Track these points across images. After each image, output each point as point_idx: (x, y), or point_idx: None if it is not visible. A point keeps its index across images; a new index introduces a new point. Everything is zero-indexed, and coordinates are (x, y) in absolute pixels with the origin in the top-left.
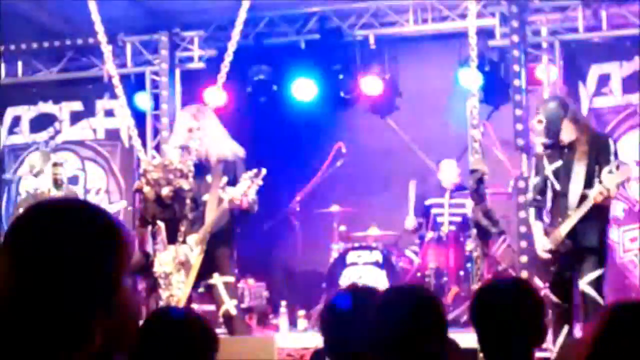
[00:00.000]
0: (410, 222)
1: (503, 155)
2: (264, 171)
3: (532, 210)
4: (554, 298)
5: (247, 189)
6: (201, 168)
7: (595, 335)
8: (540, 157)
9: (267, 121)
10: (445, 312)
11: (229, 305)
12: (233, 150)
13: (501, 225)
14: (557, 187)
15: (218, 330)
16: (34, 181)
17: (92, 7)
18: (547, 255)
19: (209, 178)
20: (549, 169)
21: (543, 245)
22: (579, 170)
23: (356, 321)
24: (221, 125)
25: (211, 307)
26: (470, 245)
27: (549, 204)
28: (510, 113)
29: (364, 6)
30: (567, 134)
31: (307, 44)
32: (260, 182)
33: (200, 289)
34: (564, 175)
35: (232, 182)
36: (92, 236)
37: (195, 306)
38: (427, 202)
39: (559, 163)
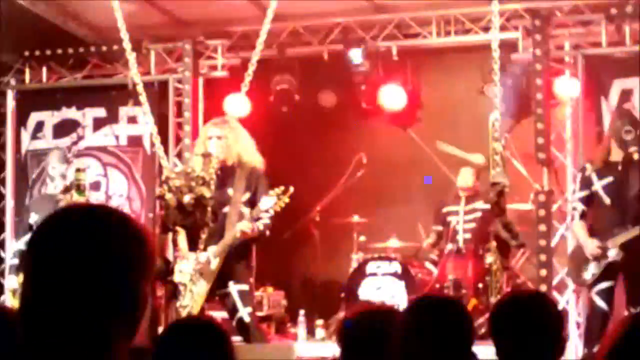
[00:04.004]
0: (427, 243)
1: (524, 168)
2: (291, 189)
3: (577, 216)
4: (602, 303)
5: (272, 206)
6: (223, 179)
7: (613, 343)
8: (587, 171)
9: (289, 131)
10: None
11: (243, 312)
12: (256, 160)
13: (521, 238)
14: (607, 201)
15: (234, 338)
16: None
17: (118, 14)
18: (597, 252)
19: (230, 191)
20: (598, 184)
21: (593, 242)
22: (634, 185)
23: (374, 338)
24: (248, 136)
25: (224, 314)
26: (489, 258)
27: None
28: (532, 126)
29: (388, 17)
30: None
31: (330, 54)
32: (287, 200)
33: (216, 298)
34: (616, 190)
35: (254, 195)
36: (120, 241)
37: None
38: (445, 210)
39: (610, 179)
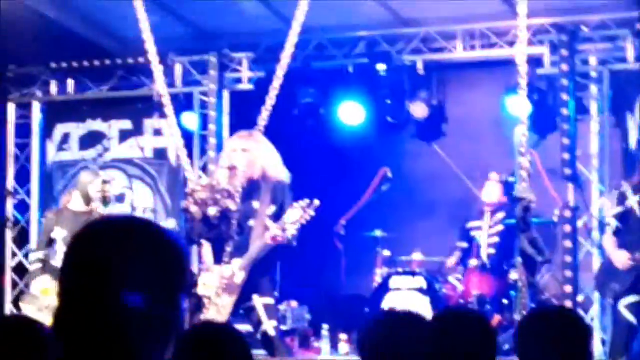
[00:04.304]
0: (452, 260)
1: (549, 184)
2: (316, 203)
3: (609, 231)
4: (629, 316)
5: (298, 219)
6: (249, 193)
7: None
8: (622, 187)
9: (314, 144)
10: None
11: (268, 326)
12: (282, 174)
13: (547, 254)
14: None
15: (257, 352)
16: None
17: (144, 26)
18: (628, 263)
19: (256, 204)
20: (633, 199)
21: (623, 254)
22: None
23: (396, 346)
24: (273, 149)
25: (248, 328)
26: (514, 273)
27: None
28: (558, 142)
29: (413, 32)
30: None
31: (356, 68)
32: (313, 214)
33: (240, 312)
34: None
35: (279, 208)
36: (157, 255)
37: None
38: (469, 225)
39: None
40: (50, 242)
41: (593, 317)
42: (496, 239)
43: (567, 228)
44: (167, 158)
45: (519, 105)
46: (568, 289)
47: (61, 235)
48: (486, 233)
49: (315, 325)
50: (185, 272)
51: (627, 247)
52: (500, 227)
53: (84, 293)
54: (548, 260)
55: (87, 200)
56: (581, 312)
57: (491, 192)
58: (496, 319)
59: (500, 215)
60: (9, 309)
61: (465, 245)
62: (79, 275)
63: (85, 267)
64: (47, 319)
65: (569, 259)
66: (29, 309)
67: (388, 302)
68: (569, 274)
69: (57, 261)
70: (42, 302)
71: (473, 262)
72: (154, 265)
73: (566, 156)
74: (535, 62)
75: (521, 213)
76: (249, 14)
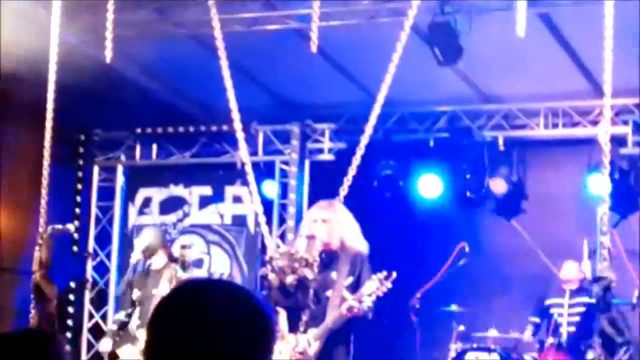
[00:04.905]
0: (527, 335)
1: (629, 264)
2: (394, 275)
3: None
4: None
5: (375, 290)
6: (327, 263)
7: None
8: None
9: (392, 216)
10: None
11: None
12: (360, 245)
13: (627, 334)
14: None
15: None
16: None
17: (231, 95)
18: None
19: (334, 275)
20: None
21: None
22: None
23: None
24: (353, 220)
25: None
26: (591, 354)
27: None
28: (638, 222)
29: (495, 108)
30: None
31: (436, 142)
32: (390, 286)
33: None
34: None
35: (357, 279)
36: (245, 318)
37: None
38: (547, 302)
39: None
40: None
41: None
42: (576, 318)
43: None
44: (245, 225)
45: (601, 184)
46: None
47: (136, 295)
48: (566, 311)
49: None
50: (271, 336)
51: None
52: (582, 308)
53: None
54: (627, 341)
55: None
56: None
57: (570, 271)
58: None
59: (582, 294)
60: None
61: (537, 320)
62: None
63: (171, 336)
64: None
65: None
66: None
67: None
68: None
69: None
70: None
71: (550, 340)
72: (242, 330)
73: None
74: (617, 141)
75: (601, 292)
76: (331, 84)
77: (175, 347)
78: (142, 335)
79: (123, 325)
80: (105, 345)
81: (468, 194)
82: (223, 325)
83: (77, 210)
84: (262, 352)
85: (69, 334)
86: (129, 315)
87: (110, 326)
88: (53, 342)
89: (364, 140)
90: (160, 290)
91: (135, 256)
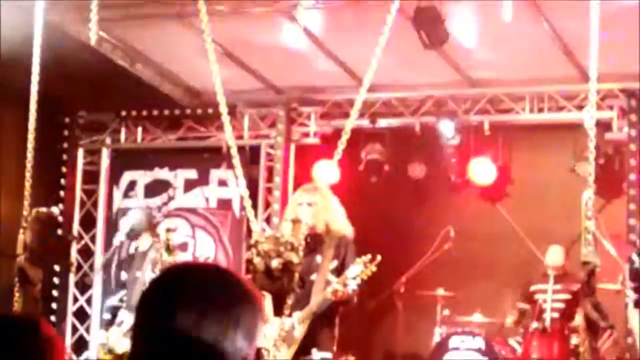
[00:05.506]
0: (509, 322)
1: (613, 249)
2: (378, 258)
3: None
4: None
5: (359, 274)
6: (312, 246)
7: None
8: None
9: (377, 200)
10: None
11: None
12: (345, 229)
13: (610, 319)
14: None
15: None
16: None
17: (217, 79)
18: None
19: (318, 258)
20: None
21: None
22: None
23: None
24: (338, 204)
25: None
26: (575, 338)
27: None
28: (623, 207)
29: (481, 92)
30: None
31: (422, 126)
32: (374, 269)
33: None
34: None
35: (341, 263)
36: (234, 302)
37: None
38: (532, 288)
39: None
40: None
41: None
42: (561, 304)
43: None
44: (230, 209)
45: (586, 169)
46: (628, 355)
47: (125, 278)
48: (550, 297)
49: None
50: (258, 322)
51: None
52: (566, 294)
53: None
54: (611, 326)
55: (133, 231)
56: None
57: (555, 256)
58: None
59: (566, 279)
60: (68, 354)
61: (526, 307)
62: (153, 325)
63: (160, 317)
64: None
65: (631, 325)
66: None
67: None
68: (630, 340)
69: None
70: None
71: (534, 325)
72: (230, 314)
73: (632, 222)
74: (602, 126)
75: (586, 277)
76: (317, 69)
77: (163, 330)
78: (125, 316)
79: (116, 310)
80: (102, 338)
81: (453, 178)
82: (210, 308)
83: (62, 193)
84: (250, 334)
85: (53, 318)
86: (122, 300)
87: (105, 316)
88: (40, 327)
89: (350, 124)
90: (144, 274)
91: (119, 238)
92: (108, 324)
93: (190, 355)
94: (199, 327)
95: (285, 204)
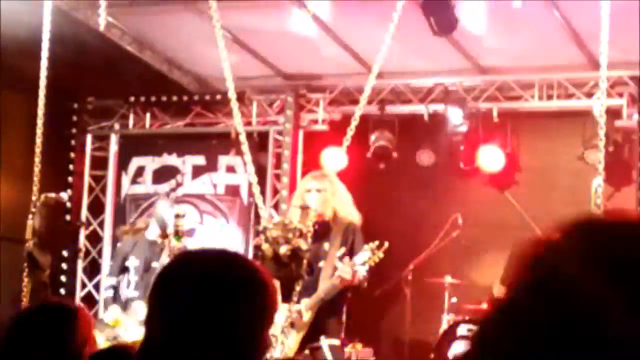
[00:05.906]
0: None
1: None
2: (386, 244)
3: None
4: None
5: (367, 260)
6: (320, 233)
7: None
8: None
9: (385, 187)
10: None
11: None
12: (353, 216)
13: None
14: None
15: None
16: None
17: (226, 64)
18: None
19: (326, 245)
20: None
21: None
22: None
23: None
24: (346, 191)
25: None
26: None
27: None
28: (632, 195)
29: (490, 79)
30: None
31: (430, 113)
32: (381, 255)
33: (306, 351)
34: None
35: (349, 250)
36: (246, 288)
37: None
38: None
39: None
40: (124, 270)
41: None
42: None
43: None
44: (238, 195)
45: (595, 157)
46: None
47: (134, 264)
48: None
49: None
50: (271, 307)
51: None
52: None
53: (173, 325)
54: None
55: (164, 230)
56: None
57: None
58: None
59: None
60: None
61: None
62: (167, 309)
63: (174, 302)
64: None
65: None
66: (98, 337)
67: (454, 350)
68: None
69: (129, 290)
70: (111, 332)
71: None
72: (243, 299)
73: None
74: (612, 113)
75: None
76: (326, 55)
77: (177, 315)
78: (141, 308)
79: (115, 289)
80: (110, 314)
81: (462, 165)
82: (222, 293)
83: (70, 179)
84: (263, 318)
85: None
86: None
87: (107, 293)
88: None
89: (359, 111)
90: (161, 262)
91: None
92: (110, 301)
93: (204, 342)
94: (212, 313)
95: (294, 190)
